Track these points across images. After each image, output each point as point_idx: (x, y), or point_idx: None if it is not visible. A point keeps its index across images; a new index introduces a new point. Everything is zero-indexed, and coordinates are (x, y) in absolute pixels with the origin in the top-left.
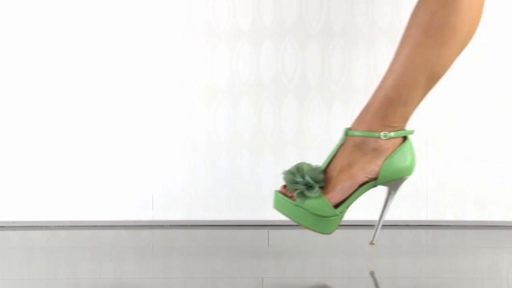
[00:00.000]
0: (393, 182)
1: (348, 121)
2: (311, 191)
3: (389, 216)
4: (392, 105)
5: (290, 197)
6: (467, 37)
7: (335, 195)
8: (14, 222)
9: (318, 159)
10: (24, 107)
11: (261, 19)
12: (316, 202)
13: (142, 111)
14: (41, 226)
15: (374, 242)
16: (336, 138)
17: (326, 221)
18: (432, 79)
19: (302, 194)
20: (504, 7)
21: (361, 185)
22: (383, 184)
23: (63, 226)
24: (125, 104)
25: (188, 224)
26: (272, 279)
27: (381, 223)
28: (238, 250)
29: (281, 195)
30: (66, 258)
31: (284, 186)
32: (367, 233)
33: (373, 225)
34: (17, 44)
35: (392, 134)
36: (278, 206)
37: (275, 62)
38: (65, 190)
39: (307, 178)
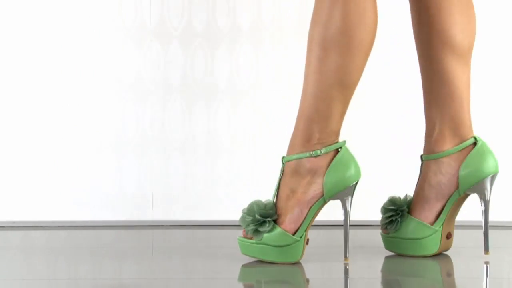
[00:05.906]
0: (342, 192)
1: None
2: (264, 226)
3: None
4: (314, 123)
5: (250, 239)
6: (365, 42)
7: (289, 223)
8: (14, 222)
9: None
10: (24, 108)
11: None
12: (272, 234)
13: (141, 112)
14: (41, 226)
15: (348, 256)
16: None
17: (289, 250)
18: (345, 88)
19: (256, 231)
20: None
21: (311, 206)
22: (332, 198)
23: (63, 226)
24: (125, 105)
25: (188, 224)
26: (272, 281)
27: (349, 234)
28: (239, 250)
29: (242, 239)
30: (66, 258)
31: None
32: (367, 233)
33: (372, 225)
34: (17, 46)
35: (322, 150)
36: (244, 250)
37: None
38: (65, 190)
39: (257, 216)
